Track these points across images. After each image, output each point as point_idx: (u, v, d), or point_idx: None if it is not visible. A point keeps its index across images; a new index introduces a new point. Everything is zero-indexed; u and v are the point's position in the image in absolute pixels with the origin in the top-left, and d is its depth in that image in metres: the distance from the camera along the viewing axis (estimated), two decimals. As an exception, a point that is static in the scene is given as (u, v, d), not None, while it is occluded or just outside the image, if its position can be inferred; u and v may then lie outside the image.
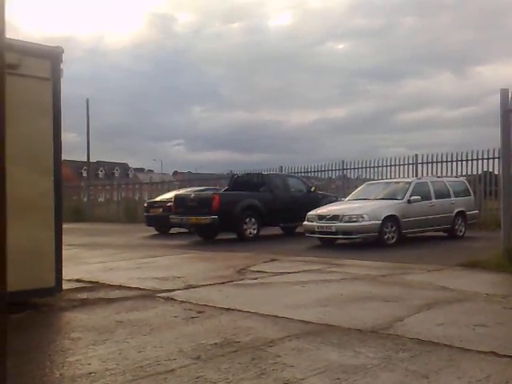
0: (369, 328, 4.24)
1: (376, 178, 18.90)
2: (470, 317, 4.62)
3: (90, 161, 42.01)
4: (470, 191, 14.08)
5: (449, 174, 16.91)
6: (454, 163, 17.26)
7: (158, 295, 5.89)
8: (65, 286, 5.83)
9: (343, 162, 20.33)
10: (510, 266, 7.18)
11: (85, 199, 29.51)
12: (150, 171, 70.10)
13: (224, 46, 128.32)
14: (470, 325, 4.30)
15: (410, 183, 12.63)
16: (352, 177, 20.33)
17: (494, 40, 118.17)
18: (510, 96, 7.74)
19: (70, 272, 6.68)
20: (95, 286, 6.62)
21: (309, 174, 21.31)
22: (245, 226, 13.49)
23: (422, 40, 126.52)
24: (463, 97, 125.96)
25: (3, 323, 1.59)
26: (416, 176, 16.26)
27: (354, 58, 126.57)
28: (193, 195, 14.85)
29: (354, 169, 20.06)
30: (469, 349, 3.62)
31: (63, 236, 5.61)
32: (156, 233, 16.77)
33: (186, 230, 15.51)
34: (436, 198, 12.71)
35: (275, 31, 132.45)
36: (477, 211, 14.14)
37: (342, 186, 19.77)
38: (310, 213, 12.09)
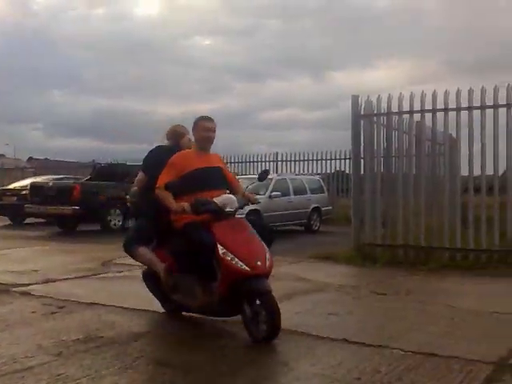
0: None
1: (239, 173, 19.42)
2: (325, 306, 4.99)
3: None
4: (324, 189, 15.12)
5: (305, 171, 18.03)
6: (310, 162, 18.56)
7: (14, 289, 5.57)
8: None
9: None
10: (358, 259, 7.85)
11: None
12: (2, 156, 64.79)
13: (87, 30, 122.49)
14: (324, 314, 4.65)
15: (271, 179, 13.12)
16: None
17: (349, 47, 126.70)
18: (359, 102, 8.19)
19: None
20: None
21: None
22: (109, 217, 13.14)
23: (285, 43, 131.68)
24: (320, 100, 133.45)
25: None
26: (276, 173, 17.01)
27: (220, 54, 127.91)
28: (51, 184, 14.08)
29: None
30: (323, 336, 3.92)
31: None
32: (10, 223, 15.76)
33: (44, 221, 14.69)
34: (294, 195, 13.47)
35: (142, 20, 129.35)
36: (330, 207, 15.17)
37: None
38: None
